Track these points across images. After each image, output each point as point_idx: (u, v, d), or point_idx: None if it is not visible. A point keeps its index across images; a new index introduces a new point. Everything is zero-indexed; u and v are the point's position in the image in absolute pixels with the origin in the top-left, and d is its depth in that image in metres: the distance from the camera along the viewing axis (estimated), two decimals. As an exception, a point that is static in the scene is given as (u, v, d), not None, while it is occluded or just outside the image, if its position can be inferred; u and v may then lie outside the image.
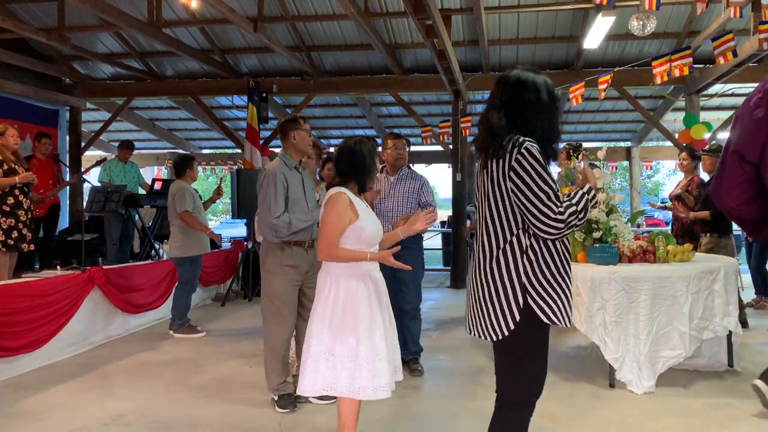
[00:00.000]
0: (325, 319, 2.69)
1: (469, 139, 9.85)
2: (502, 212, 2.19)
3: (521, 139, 2.14)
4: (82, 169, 8.55)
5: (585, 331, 4.05)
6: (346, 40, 9.12)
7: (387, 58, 8.74)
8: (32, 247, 5.52)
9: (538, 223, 2.10)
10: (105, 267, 5.73)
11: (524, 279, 2.16)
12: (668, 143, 9.99)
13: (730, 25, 7.25)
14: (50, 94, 9.64)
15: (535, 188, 2.09)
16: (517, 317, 2.16)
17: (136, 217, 7.97)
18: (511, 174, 2.12)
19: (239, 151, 11.27)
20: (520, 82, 2.23)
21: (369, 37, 7.61)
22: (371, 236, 2.78)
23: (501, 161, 2.15)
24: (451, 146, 9.54)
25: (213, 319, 6.37)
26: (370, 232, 2.77)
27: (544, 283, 2.16)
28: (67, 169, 9.50)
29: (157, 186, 8.24)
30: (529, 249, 2.17)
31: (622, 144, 14.63)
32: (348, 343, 2.64)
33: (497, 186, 2.18)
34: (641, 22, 6.12)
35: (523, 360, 2.21)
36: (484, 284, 2.22)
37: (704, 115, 9.62)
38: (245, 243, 8.58)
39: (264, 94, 9.53)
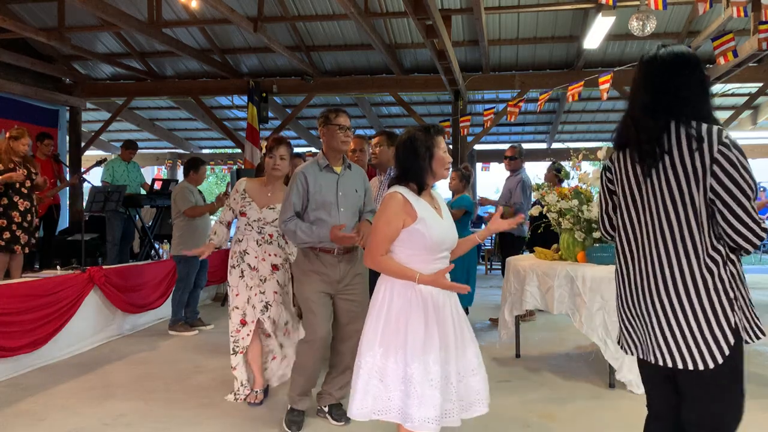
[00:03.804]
0: (378, 331, 2.34)
1: (470, 138, 9.87)
2: (701, 214, 1.81)
3: (715, 126, 1.80)
4: (82, 169, 8.56)
5: (585, 331, 4.04)
6: (346, 40, 9.12)
7: (387, 58, 8.74)
8: (27, 250, 5.52)
9: (744, 230, 1.75)
10: (105, 267, 5.74)
11: (731, 294, 1.84)
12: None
13: (730, 25, 7.26)
14: (50, 94, 9.64)
15: (746, 188, 1.73)
16: (731, 340, 1.85)
17: (137, 217, 7.97)
18: (715, 168, 1.76)
19: (239, 151, 11.28)
20: (687, 58, 1.90)
21: (369, 37, 7.61)
22: (435, 242, 2.37)
23: (697, 153, 1.78)
24: (451, 146, 9.54)
25: (213, 319, 6.37)
26: (434, 237, 2.36)
27: (746, 296, 1.88)
28: (68, 169, 9.51)
29: (157, 186, 8.24)
30: (728, 259, 1.84)
31: (622, 144, 14.63)
32: (399, 361, 2.30)
33: (690, 183, 1.80)
34: (641, 22, 6.12)
35: (729, 387, 1.93)
36: (676, 304, 1.87)
37: (704, 115, 9.61)
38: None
39: (264, 94, 9.55)
